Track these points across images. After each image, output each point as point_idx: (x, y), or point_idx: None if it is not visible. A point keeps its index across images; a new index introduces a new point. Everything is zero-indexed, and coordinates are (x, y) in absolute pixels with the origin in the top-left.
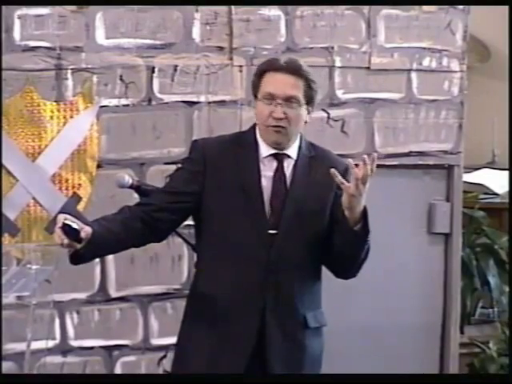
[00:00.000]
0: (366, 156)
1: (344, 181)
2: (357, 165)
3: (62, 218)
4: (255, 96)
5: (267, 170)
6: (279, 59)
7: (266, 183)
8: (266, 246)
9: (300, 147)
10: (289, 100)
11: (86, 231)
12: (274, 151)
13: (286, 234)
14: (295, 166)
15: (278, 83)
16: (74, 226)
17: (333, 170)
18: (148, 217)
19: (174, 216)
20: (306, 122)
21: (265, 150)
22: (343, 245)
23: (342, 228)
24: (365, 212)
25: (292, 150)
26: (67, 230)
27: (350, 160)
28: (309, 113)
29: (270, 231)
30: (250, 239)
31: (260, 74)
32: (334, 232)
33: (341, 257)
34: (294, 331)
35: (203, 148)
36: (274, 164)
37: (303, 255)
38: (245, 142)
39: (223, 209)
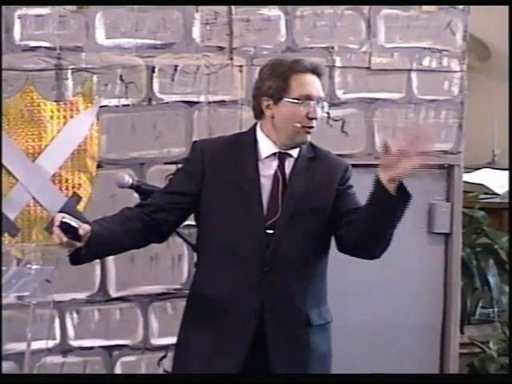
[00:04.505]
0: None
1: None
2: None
3: (59, 216)
4: (279, 98)
5: (266, 170)
6: (299, 60)
7: (266, 182)
8: (263, 245)
9: (300, 147)
10: (319, 101)
11: (84, 228)
12: (276, 150)
13: (284, 234)
14: (294, 165)
15: (312, 84)
16: (72, 223)
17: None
18: (148, 217)
19: (173, 216)
20: None
21: (266, 149)
22: (379, 217)
23: (379, 201)
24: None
25: (294, 150)
26: (65, 228)
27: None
28: None
29: (268, 231)
30: (247, 239)
31: (285, 76)
32: (362, 210)
33: (374, 231)
34: (297, 330)
35: (202, 149)
36: (275, 163)
37: (302, 254)
38: (244, 142)
39: (221, 209)
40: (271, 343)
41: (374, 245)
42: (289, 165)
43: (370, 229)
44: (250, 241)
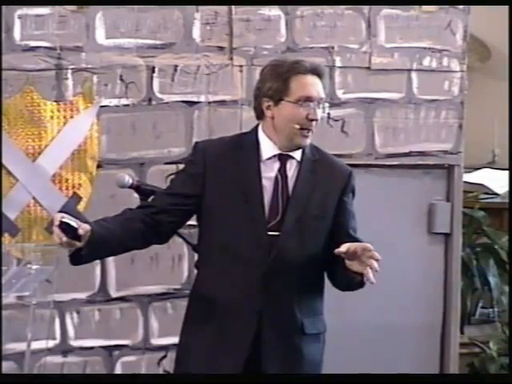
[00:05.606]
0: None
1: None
2: None
3: (59, 216)
4: (279, 100)
5: (268, 171)
6: (299, 61)
7: (267, 184)
8: (266, 247)
9: (304, 149)
10: (320, 102)
11: (83, 228)
12: (278, 152)
13: (287, 236)
14: (299, 168)
15: (312, 86)
16: (72, 223)
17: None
18: (149, 219)
19: (174, 218)
20: None
21: (267, 151)
22: (340, 278)
23: (343, 271)
24: None
25: (296, 152)
26: (65, 227)
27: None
28: None
29: (270, 233)
30: (248, 240)
31: (285, 77)
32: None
33: (335, 280)
34: (291, 335)
35: (203, 150)
36: (276, 165)
37: (303, 259)
38: (245, 143)
39: (223, 210)
40: (266, 345)
41: (335, 285)
42: (290, 167)
43: (331, 275)
44: (252, 242)
